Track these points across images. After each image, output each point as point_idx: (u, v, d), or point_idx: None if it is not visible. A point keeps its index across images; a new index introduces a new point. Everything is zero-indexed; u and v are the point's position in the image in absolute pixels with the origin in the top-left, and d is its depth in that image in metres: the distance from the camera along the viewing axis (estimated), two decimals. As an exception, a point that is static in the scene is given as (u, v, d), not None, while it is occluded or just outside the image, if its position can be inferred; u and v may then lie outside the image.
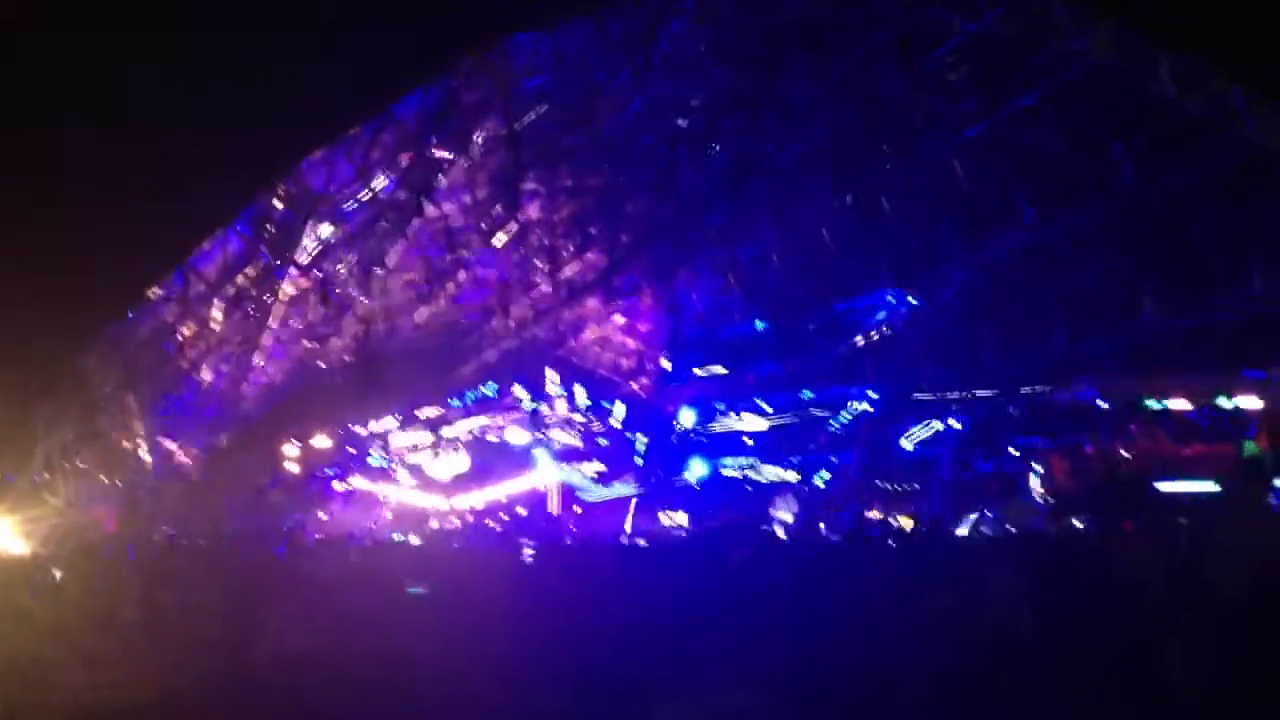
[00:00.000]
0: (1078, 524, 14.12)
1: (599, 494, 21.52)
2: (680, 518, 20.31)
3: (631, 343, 23.68)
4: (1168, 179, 16.63)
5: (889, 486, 19.57)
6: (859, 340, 20.91)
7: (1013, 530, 14.85)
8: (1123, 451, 16.38)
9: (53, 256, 17.52)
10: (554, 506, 21.27)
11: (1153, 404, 16.85)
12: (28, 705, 6.61)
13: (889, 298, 20.57)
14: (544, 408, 22.28)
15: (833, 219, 19.91)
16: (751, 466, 21.26)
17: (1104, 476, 16.16)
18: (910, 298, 20.31)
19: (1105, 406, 17.79)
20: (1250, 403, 16.18)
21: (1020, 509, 16.51)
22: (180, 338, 20.93)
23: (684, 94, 19.49)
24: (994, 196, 18.33)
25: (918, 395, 20.00)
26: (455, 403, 22.26)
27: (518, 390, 22.25)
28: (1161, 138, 16.38)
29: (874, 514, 18.18)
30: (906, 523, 17.37)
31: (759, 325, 22.15)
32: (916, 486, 19.20)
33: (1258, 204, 15.83)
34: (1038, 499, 16.63)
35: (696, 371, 22.56)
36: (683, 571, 10.91)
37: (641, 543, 15.52)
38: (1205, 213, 16.37)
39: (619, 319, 22.90)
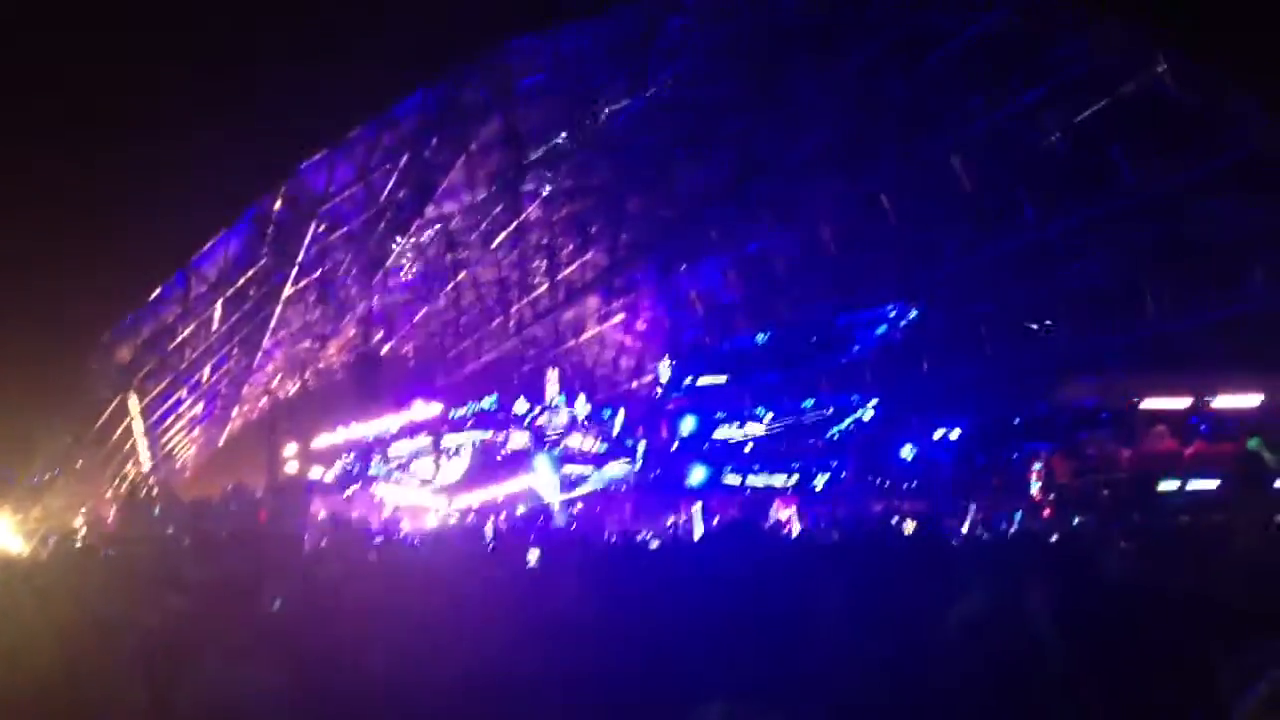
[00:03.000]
0: (1079, 523, 14.13)
1: (595, 481, 21.54)
2: (680, 519, 20.31)
3: (631, 342, 23.75)
4: (1168, 178, 16.69)
5: (889, 487, 19.59)
6: (860, 351, 21.01)
7: (1014, 530, 14.85)
8: (1124, 451, 16.40)
9: (54, 258, 17.54)
10: (554, 504, 21.28)
11: (1154, 403, 16.87)
12: (29, 707, 6.53)
13: (890, 311, 20.66)
14: (544, 418, 22.30)
15: (834, 219, 19.98)
16: (751, 472, 21.30)
17: (1106, 476, 16.18)
18: (912, 310, 20.39)
19: (1106, 406, 17.80)
20: (1251, 401, 16.20)
21: (1022, 509, 16.52)
22: (181, 338, 20.96)
23: (683, 95, 19.54)
24: (996, 195, 18.39)
25: (918, 401, 20.05)
26: (456, 413, 22.26)
27: (518, 406, 22.25)
28: (1162, 136, 16.44)
29: (875, 514, 18.18)
30: (908, 524, 17.36)
31: (760, 338, 22.22)
32: (916, 486, 19.21)
33: (1258, 203, 15.87)
34: (1039, 499, 16.63)
35: (696, 381, 22.62)
36: (685, 569, 10.83)
37: (649, 541, 15.47)
38: (1205, 211, 16.42)
39: (619, 318, 22.97)
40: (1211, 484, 15.21)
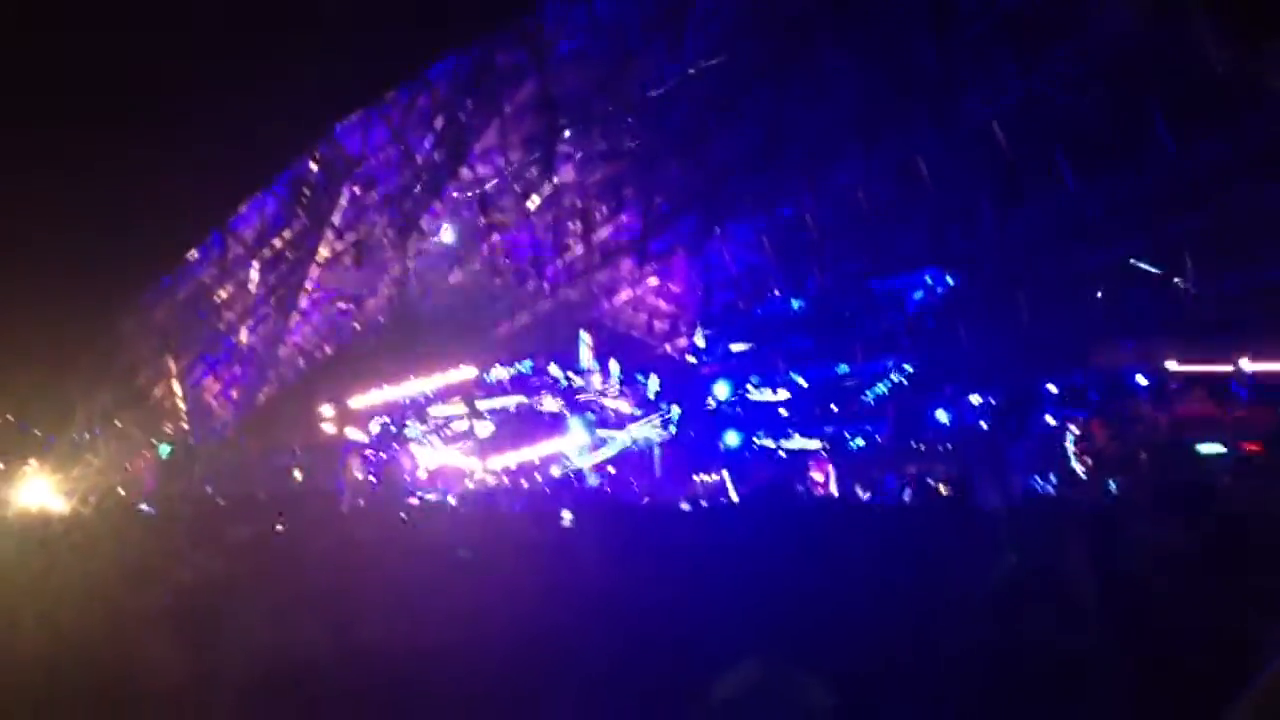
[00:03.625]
0: (1116, 487, 14.08)
1: (628, 443, 21.63)
2: (714, 482, 20.36)
3: (665, 305, 23.70)
4: (1208, 148, 16.40)
5: (923, 450, 19.54)
6: (895, 317, 20.91)
7: (1051, 493, 14.83)
8: (1162, 415, 16.31)
9: (91, 220, 17.65)
10: (586, 466, 21.37)
11: (1191, 368, 16.75)
12: (62, 664, 6.63)
13: (927, 278, 20.54)
14: (579, 380, 22.33)
15: (868, 187, 19.82)
16: (785, 436, 21.29)
17: (1143, 440, 16.09)
18: (948, 276, 20.26)
19: (1143, 371, 17.68)
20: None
21: (1059, 473, 16.46)
22: (218, 299, 21.14)
23: (717, 60, 19.40)
24: (1032, 164, 18.16)
25: (954, 367, 19.97)
26: (491, 375, 22.33)
27: (553, 369, 22.29)
28: (1202, 106, 16.13)
29: (909, 478, 18.15)
30: (942, 488, 17.34)
31: (795, 304, 22.15)
32: (951, 450, 19.15)
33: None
34: (1076, 463, 16.57)
35: (731, 347, 22.58)
36: (719, 531, 10.91)
37: (683, 505, 15.54)
38: (1245, 183, 16.14)
39: (653, 281, 22.92)
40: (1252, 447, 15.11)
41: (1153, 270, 18.23)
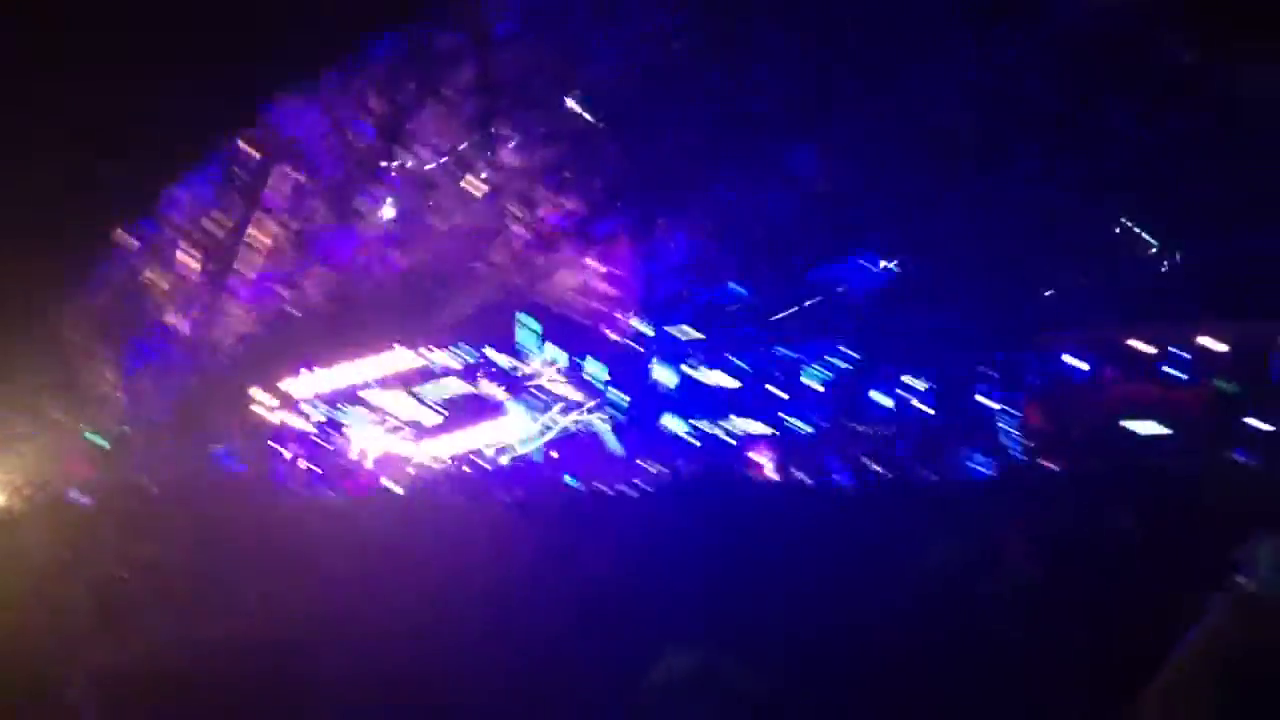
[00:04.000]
0: (1050, 465, 14.28)
1: (571, 429, 21.60)
2: (657, 466, 20.39)
3: (609, 292, 23.61)
4: (1155, 130, 16.59)
5: (863, 432, 19.71)
6: (839, 302, 21.03)
7: (986, 472, 15.02)
8: (1097, 396, 16.55)
9: (16, 205, 17.23)
10: (529, 451, 21.30)
11: (1127, 347, 17.02)
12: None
13: (869, 263, 20.68)
14: (521, 366, 22.22)
15: (813, 171, 19.85)
16: (727, 420, 21.36)
17: (1079, 420, 16.34)
18: (892, 261, 20.43)
19: (1083, 353, 17.94)
20: (1222, 346, 16.38)
21: (993, 453, 16.68)
22: (150, 284, 20.77)
23: (658, 41, 19.30)
24: (979, 146, 18.27)
25: (897, 352, 20.13)
26: (432, 360, 22.14)
27: (491, 353, 22.15)
28: (1152, 87, 16.31)
29: (849, 460, 18.31)
30: (879, 468, 17.51)
31: (738, 289, 22.19)
32: (891, 433, 19.33)
33: (1244, 156, 15.80)
34: (1012, 443, 16.81)
35: (672, 331, 22.58)
36: (665, 513, 10.93)
37: (622, 488, 15.56)
38: (1190, 164, 16.36)
39: (595, 264, 22.82)
40: (1180, 427, 15.38)
41: (1096, 251, 18.47)
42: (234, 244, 20.72)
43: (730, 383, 21.73)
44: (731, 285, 22.03)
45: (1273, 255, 15.51)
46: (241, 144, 19.82)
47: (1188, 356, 16.84)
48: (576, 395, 22.10)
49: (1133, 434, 15.57)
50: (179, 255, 20.67)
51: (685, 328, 22.39)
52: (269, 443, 21.20)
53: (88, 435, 21.02)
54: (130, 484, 18.53)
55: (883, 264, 20.49)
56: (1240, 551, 4.76)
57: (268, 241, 20.84)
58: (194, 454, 20.85)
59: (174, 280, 21.04)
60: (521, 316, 22.33)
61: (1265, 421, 14.87)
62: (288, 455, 20.94)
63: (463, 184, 20.83)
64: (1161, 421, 15.47)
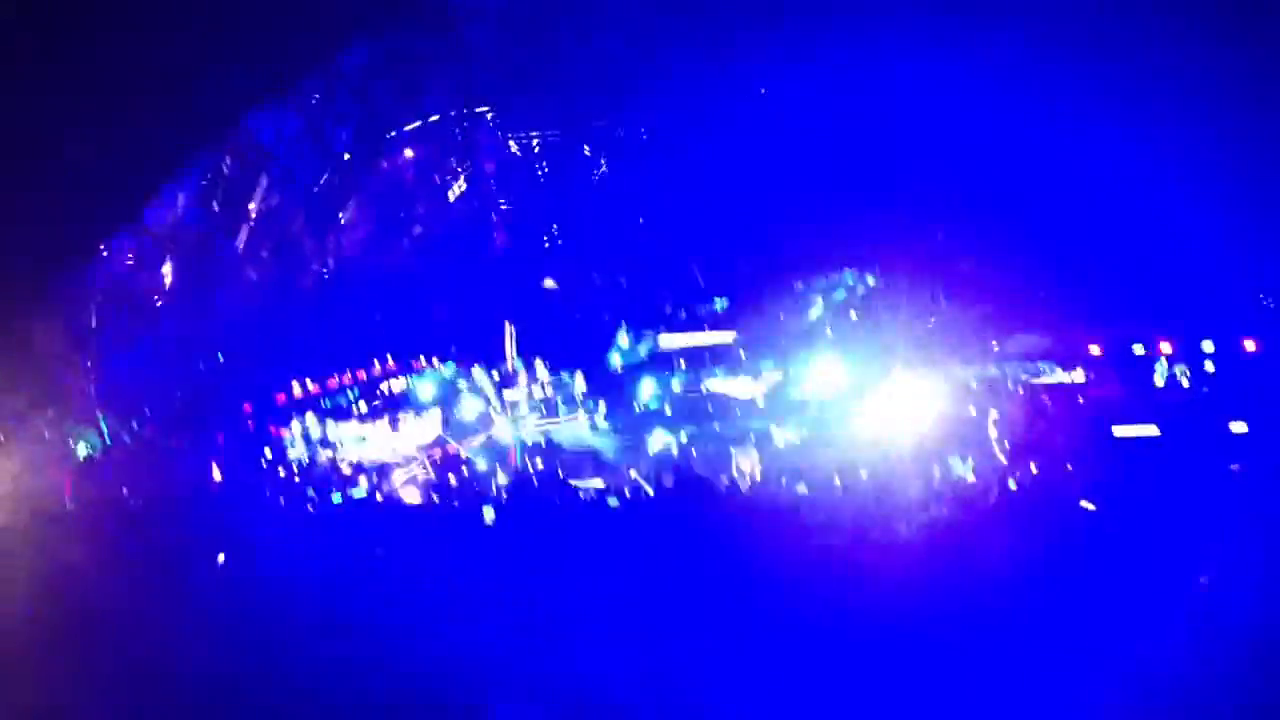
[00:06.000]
0: (1036, 469, 14.31)
1: (554, 441, 21.62)
2: (639, 476, 20.41)
3: (593, 304, 23.63)
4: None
5: (849, 444, 19.72)
6: (818, 315, 21.14)
7: (972, 479, 15.03)
8: (1079, 398, 16.65)
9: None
10: (512, 464, 21.27)
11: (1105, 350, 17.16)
12: None
13: (848, 277, 20.82)
14: (504, 379, 22.24)
15: (792, 186, 19.92)
16: (712, 428, 21.38)
17: (1061, 423, 16.40)
18: (869, 277, 20.55)
19: (1066, 356, 18.06)
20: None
21: (979, 457, 16.71)
22: (131, 295, 20.67)
23: (635, 48, 19.41)
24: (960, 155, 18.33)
25: (876, 362, 20.23)
26: (414, 373, 22.13)
27: (477, 373, 22.17)
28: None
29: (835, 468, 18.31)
30: (866, 474, 17.49)
31: (720, 304, 22.27)
32: (876, 443, 19.36)
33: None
34: (996, 446, 16.83)
35: (658, 344, 22.62)
36: (651, 523, 10.98)
37: (611, 501, 15.53)
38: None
39: (578, 279, 22.86)
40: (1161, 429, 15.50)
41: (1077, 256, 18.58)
42: (216, 253, 20.67)
43: (714, 389, 21.79)
44: (714, 298, 22.14)
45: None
46: (221, 154, 19.78)
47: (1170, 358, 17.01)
48: (560, 408, 22.15)
49: (1114, 434, 15.70)
50: (160, 266, 20.61)
51: (670, 338, 22.45)
52: (255, 451, 21.15)
53: (72, 447, 20.88)
54: (112, 496, 18.47)
55: (861, 279, 20.67)
56: None
57: (250, 250, 20.81)
58: (179, 464, 20.72)
59: (156, 290, 20.95)
60: (506, 325, 22.35)
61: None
62: (274, 464, 20.91)
63: (441, 191, 20.89)
64: (1145, 423, 15.59)
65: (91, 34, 16.39)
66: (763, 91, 19.43)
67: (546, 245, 21.91)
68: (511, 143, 20.82)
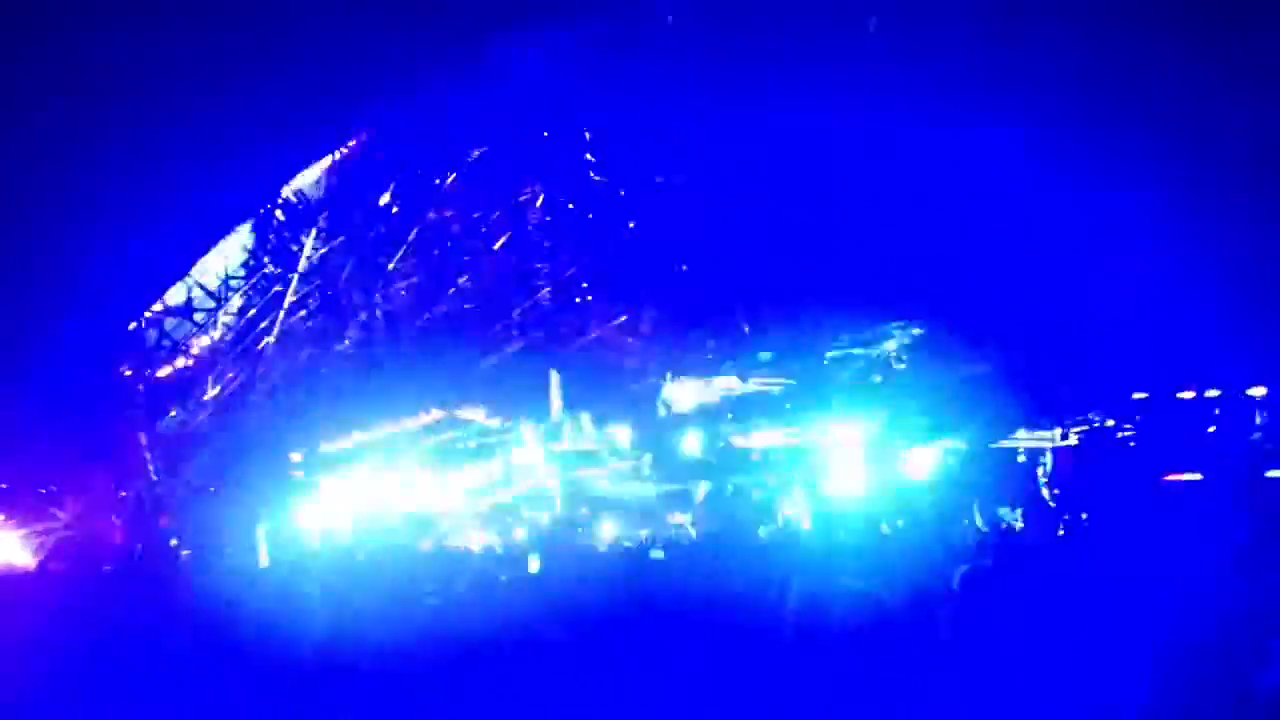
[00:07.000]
0: (1084, 517, 14.15)
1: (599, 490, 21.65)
2: (686, 523, 20.39)
3: (636, 348, 23.66)
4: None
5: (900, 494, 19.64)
6: (867, 365, 21.13)
7: (1018, 526, 14.88)
8: (1131, 443, 16.47)
9: (53, 273, 17.48)
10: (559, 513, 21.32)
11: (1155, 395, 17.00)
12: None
13: (895, 330, 20.82)
14: (549, 428, 22.34)
15: (837, 233, 19.92)
16: (758, 483, 21.34)
17: (1112, 471, 16.22)
18: (916, 328, 20.55)
19: (1114, 403, 17.91)
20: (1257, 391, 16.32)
21: (1029, 505, 16.55)
22: (183, 349, 20.97)
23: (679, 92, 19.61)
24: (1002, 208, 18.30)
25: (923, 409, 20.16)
26: (461, 421, 22.28)
27: (524, 424, 22.29)
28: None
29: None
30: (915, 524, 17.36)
31: (765, 356, 22.28)
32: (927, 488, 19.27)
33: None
34: (1046, 494, 16.70)
35: (706, 394, 22.62)
36: (696, 575, 10.98)
37: (655, 553, 15.54)
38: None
39: (621, 322, 22.94)
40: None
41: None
42: (266, 308, 20.96)
43: (761, 442, 21.75)
44: (759, 348, 22.13)
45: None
46: (272, 210, 20.14)
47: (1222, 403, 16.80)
48: (608, 458, 22.19)
49: (1167, 481, 15.49)
50: (212, 320, 20.94)
51: (715, 385, 22.45)
52: (302, 502, 21.29)
53: (123, 499, 21.09)
54: (159, 548, 18.64)
55: (908, 330, 20.64)
56: None
57: (299, 303, 21.11)
58: (230, 514, 20.88)
59: (207, 344, 21.25)
60: (551, 377, 22.45)
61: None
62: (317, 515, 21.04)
63: (487, 242, 21.13)
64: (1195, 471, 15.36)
65: (141, 89, 16.75)
66: (813, 147, 19.51)
67: (590, 299, 22.05)
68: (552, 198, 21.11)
